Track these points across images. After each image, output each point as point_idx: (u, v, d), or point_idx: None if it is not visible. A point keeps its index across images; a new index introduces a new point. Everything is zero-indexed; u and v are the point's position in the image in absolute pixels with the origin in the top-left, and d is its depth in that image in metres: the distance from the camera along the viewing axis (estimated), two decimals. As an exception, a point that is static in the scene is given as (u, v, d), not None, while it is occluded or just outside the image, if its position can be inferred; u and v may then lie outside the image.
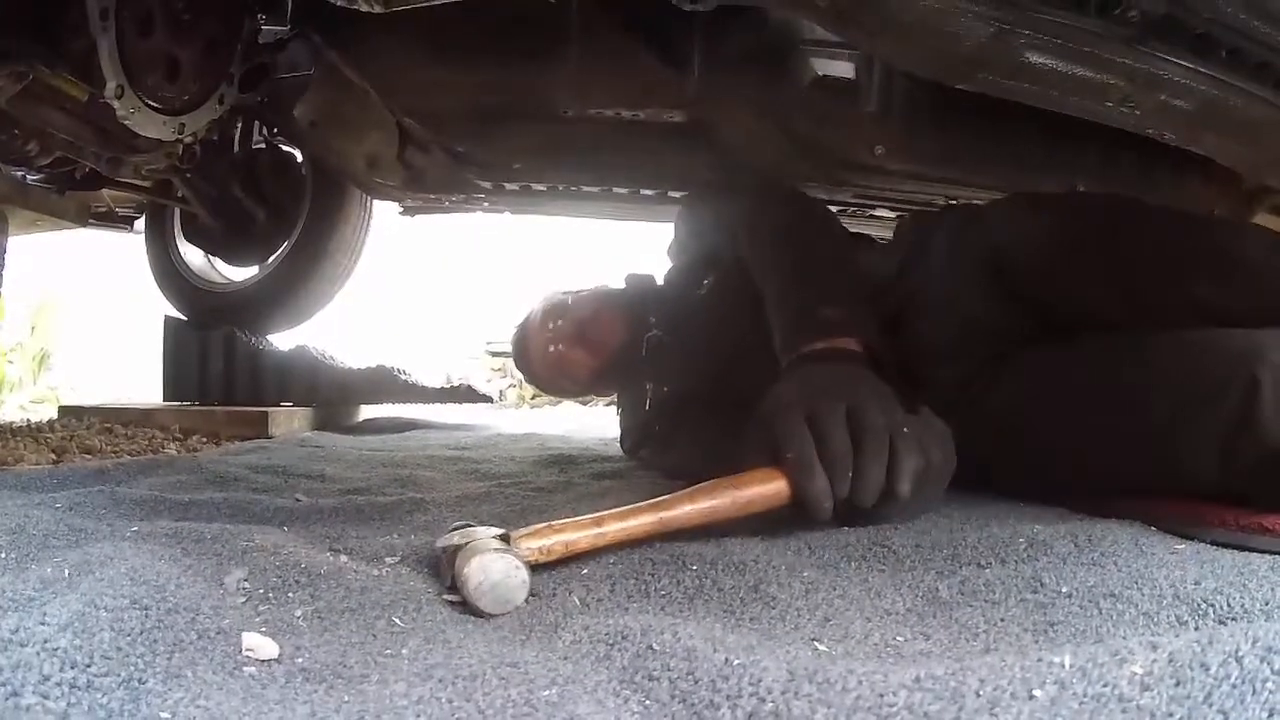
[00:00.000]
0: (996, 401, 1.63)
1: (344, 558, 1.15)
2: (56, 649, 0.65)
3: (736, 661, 0.69)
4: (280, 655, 0.79)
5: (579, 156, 2.37)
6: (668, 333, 2.21)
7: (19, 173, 2.62)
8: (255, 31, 2.19)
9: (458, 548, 1.01)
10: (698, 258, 2.16)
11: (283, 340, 3.75)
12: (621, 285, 2.45)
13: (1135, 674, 0.61)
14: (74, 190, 2.88)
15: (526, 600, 0.98)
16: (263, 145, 3.13)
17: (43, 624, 0.68)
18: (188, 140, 2.16)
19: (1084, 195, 2.12)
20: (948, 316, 1.73)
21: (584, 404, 6.88)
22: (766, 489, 1.20)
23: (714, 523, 1.17)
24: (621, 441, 2.45)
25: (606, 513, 1.13)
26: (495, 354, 8.12)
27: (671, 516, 1.15)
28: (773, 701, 0.65)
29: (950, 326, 1.72)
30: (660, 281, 2.38)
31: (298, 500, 1.62)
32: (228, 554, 1.10)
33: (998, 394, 1.64)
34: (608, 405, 6.72)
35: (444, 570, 1.04)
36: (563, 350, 2.34)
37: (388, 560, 1.16)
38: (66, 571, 0.92)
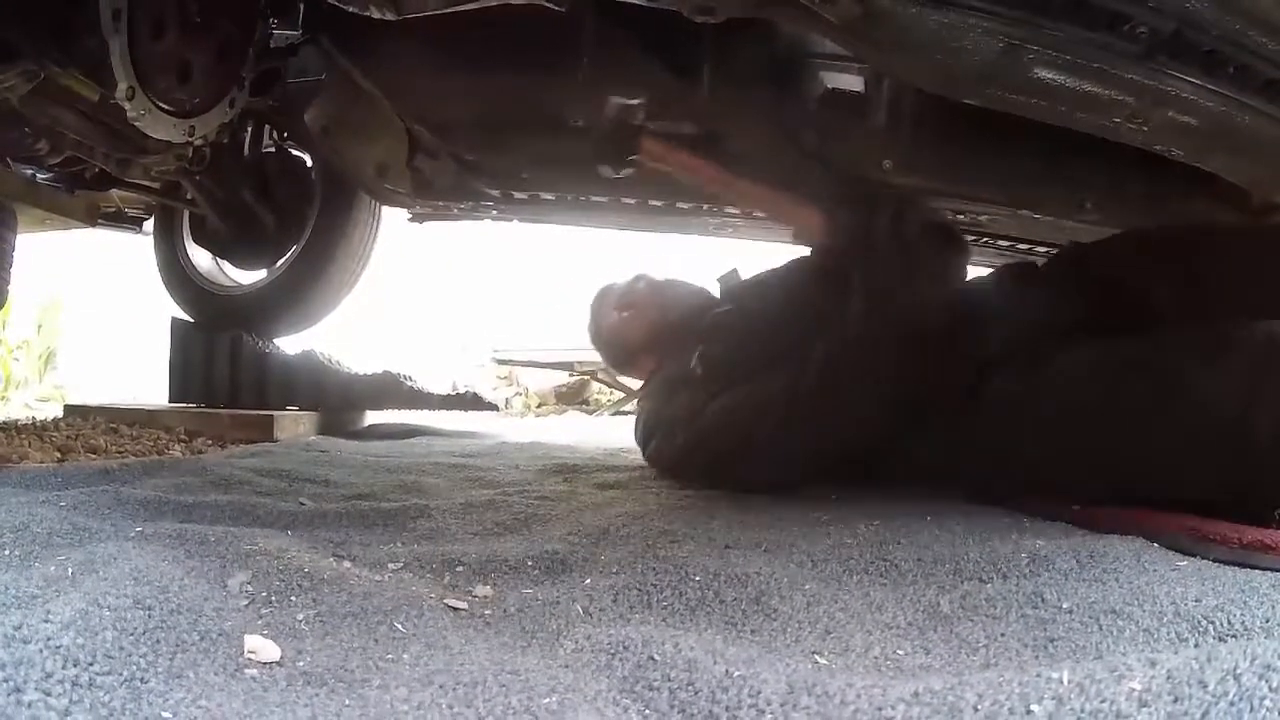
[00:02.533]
0: (1024, 397, 1.68)
1: (347, 563, 1.16)
2: (59, 647, 0.66)
3: (736, 673, 0.70)
4: (282, 658, 0.79)
5: (588, 166, 2.38)
6: (734, 304, 2.27)
7: (29, 171, 2.63)
8: (267, 36, 2.20)
9: None
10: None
11: (289, 344, 3.76)
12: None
13: (1133, 690, 0.61)
14: (83, 190, 2.88)
15: (529, 605, 0.98)
16: (272, 149, 3.13)
17: (46, 622, 0.68)
18: (198, 143, 2.15)
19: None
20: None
21: (590, 413, 6.88)
22: (804, 213, 1.43)
23: (750, 201, 1.52)
24: (637, 432, 2.46)
25: None
26: (502, 362, 8.13)
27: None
28: (771, 713, 0.65)
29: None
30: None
31: (302, 504, 1.62)
32: (231, 556, 1.11)
33: (1029, 390, 1.69)
34: (613, 415, 6.73)
35: None
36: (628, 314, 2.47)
37: (390, 566, 1.17)
38: (70, 570, 0.93)
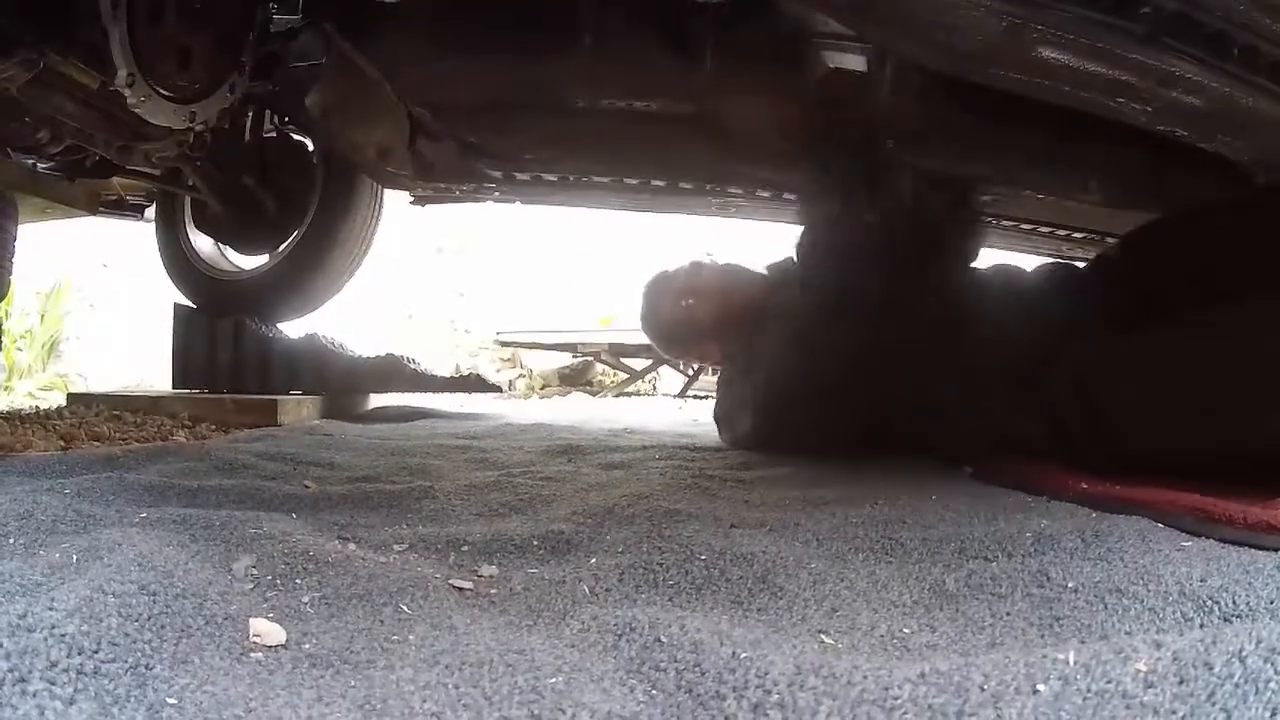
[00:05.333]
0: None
1: (352, 545, 1.16)
2: (64, 635, 0.66)
3: (743, 655, 0.70)
4: (287, 641, 0.79)
5: (590, 147, 2.38)
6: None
7: (29, 160, 2.62)
8: (267, 20, 2.19)
9: None
10: None
11: (292, 328, 3.76)
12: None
13: (1139, 671, 0.61)
14: (84, 178, 2.87)
15: (534, 585, 0.99)
16: (274, 134, 3.12)
17: (50, 609, 0.68)
18: (198, 128, 2.15)
19: None
20: None
21: (593, 395, 6.89)
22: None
23: None
24: (717, 414, 2.64)
25: None
26: (505, 344, 8.13)
27: None
28: (778, 694, 0.65)
29: None
30: None
31: (306, 488, 1.62)
32: (236, 541, 1.11)
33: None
34: (616, 396, 6.74)
35: None
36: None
37: (396, 548, 1.17)
38: (74, 557, 0.93)
